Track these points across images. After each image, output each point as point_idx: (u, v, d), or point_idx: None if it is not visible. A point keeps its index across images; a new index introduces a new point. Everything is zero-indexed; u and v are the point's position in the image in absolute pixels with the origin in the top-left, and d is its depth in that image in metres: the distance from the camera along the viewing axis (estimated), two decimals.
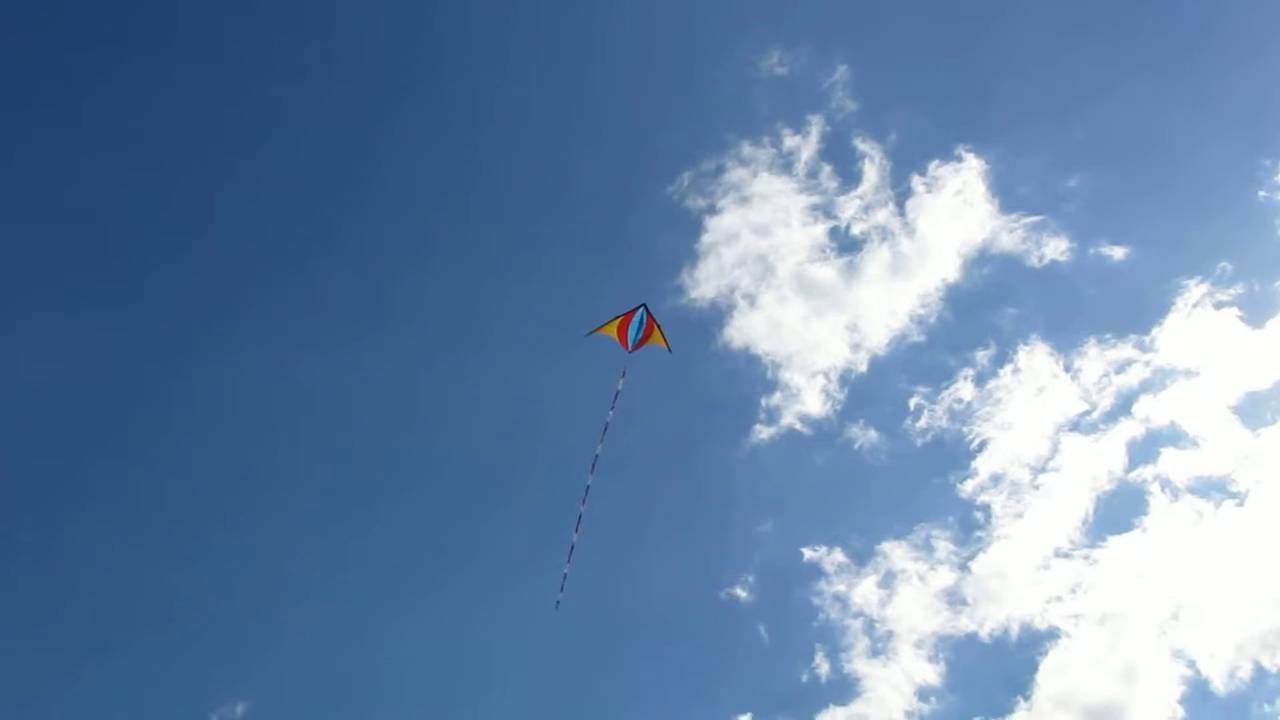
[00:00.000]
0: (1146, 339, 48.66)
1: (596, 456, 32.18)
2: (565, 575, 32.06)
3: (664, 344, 32.55)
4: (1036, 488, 47.13)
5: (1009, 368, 49.19)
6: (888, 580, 45.72)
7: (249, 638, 45.13)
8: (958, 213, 51.17)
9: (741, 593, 46.16)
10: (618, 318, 32.16)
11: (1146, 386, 48.02)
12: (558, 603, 32.22)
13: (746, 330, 50.47)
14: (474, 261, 53.91)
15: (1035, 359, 49.13)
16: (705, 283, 50.88)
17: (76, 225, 51.22)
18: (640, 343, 32.31)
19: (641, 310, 32.18)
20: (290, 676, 44.55)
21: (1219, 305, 48.44)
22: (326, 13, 55.57)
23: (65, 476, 47.49)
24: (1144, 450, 47.03)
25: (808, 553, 46.52)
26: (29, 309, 49.08)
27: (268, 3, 55.24)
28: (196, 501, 47.68)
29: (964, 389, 49.00)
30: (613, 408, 32.20)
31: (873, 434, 48.82)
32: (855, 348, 49.93)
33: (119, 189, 51.99)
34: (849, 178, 52.00)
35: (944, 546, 46.14)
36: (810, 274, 51.38)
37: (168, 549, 46.33)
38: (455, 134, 55.06)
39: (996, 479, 47.32)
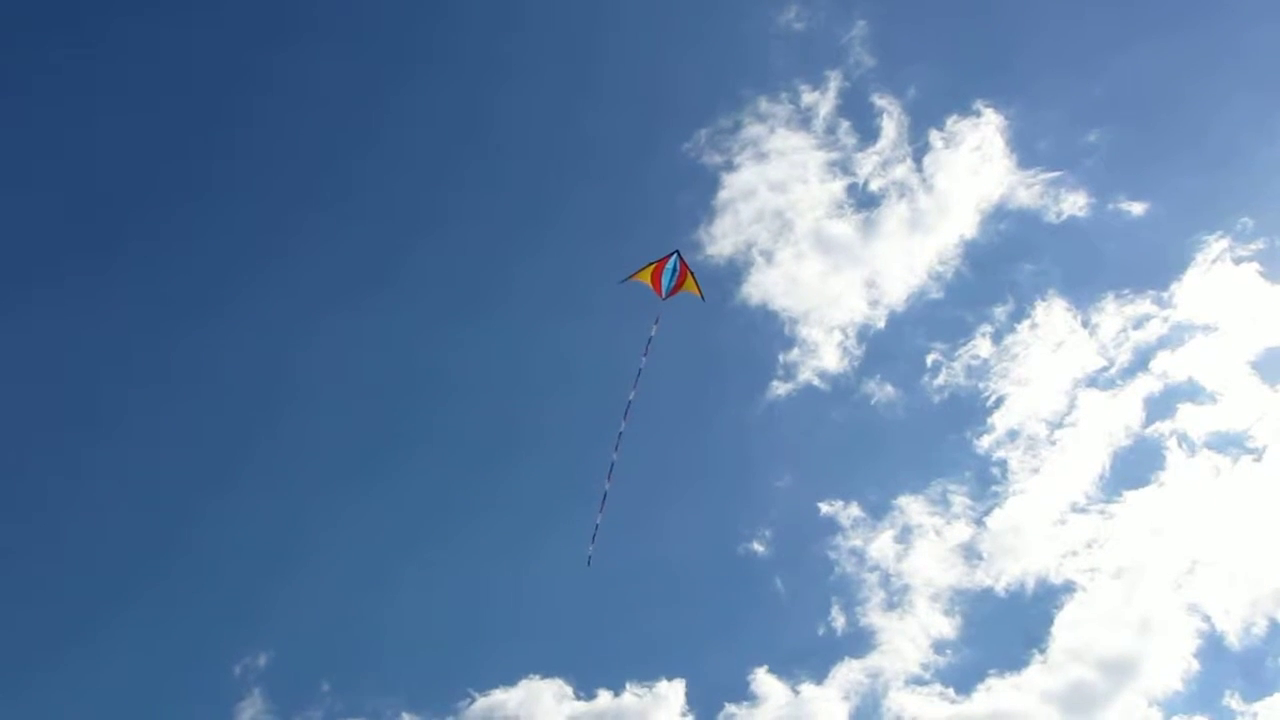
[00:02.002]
0: (1165, 294, 48.73)
1: (630, 403, 32.11)
2: (597, 527, 31.69)
3: (697, 291, 32.51)
4: (1053, 443, 47.34)
5: (1026, 323, 49.34)
6: (904, 535, 46.04)
7: (271, 590, 45.69)
8: (976, 168, 51.17)
9: (759, 547, 46.55)
10: (651, 265, 32.03)
11: (1164, 342, 48.16)
12: (589, 559, 31.89)
13: (764, 286, 50.53)
14: (489, 220, 54.09)
15: (1053, 314, 49.20)
16: (722, 239, 50.94)
17: (85, 191, 51.72)
18: (674, 289, 32.23)
19: (674, 257, 32.10)
20: (313, 627, 45.18)
21: (1239, 260, 48.40)
22: None
23: (87, 432, 48.32)
24: (1161, 405, 47.20)
25: (824, 507, 46.85)
26: (40, 275, 49.74)
27: None
28: (219, 456, 48.42)
29: (981, 345, 49.17)
30: (645, 354, 32.13)
31: (890, 390, 49.09)
32: (873, 304, 50.08)
33: (129, 152, 52.47)
34: (867, 134, 51.96)
35: (960, 501, 46.44)
36: (828, 230, 51.37)
37: (191, 501, 47.07)
38: (469, 91, 55.05)
39: (1013, 434, 47.56)
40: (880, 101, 51.74)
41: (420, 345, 51.72)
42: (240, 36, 53.80)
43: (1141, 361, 47.84)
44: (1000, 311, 49.65)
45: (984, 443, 47.50)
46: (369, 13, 55.26)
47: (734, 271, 50.59)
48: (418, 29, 55.27)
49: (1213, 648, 42.43)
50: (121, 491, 46.93)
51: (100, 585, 44.74)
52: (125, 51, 53.35)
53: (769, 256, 50.80)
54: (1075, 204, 49.87)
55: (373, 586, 45.99)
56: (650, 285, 32.18)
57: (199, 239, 52.30)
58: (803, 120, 52.23)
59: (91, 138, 51.89)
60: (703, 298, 32.84)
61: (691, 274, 32.26)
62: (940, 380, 48.79)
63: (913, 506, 46.26)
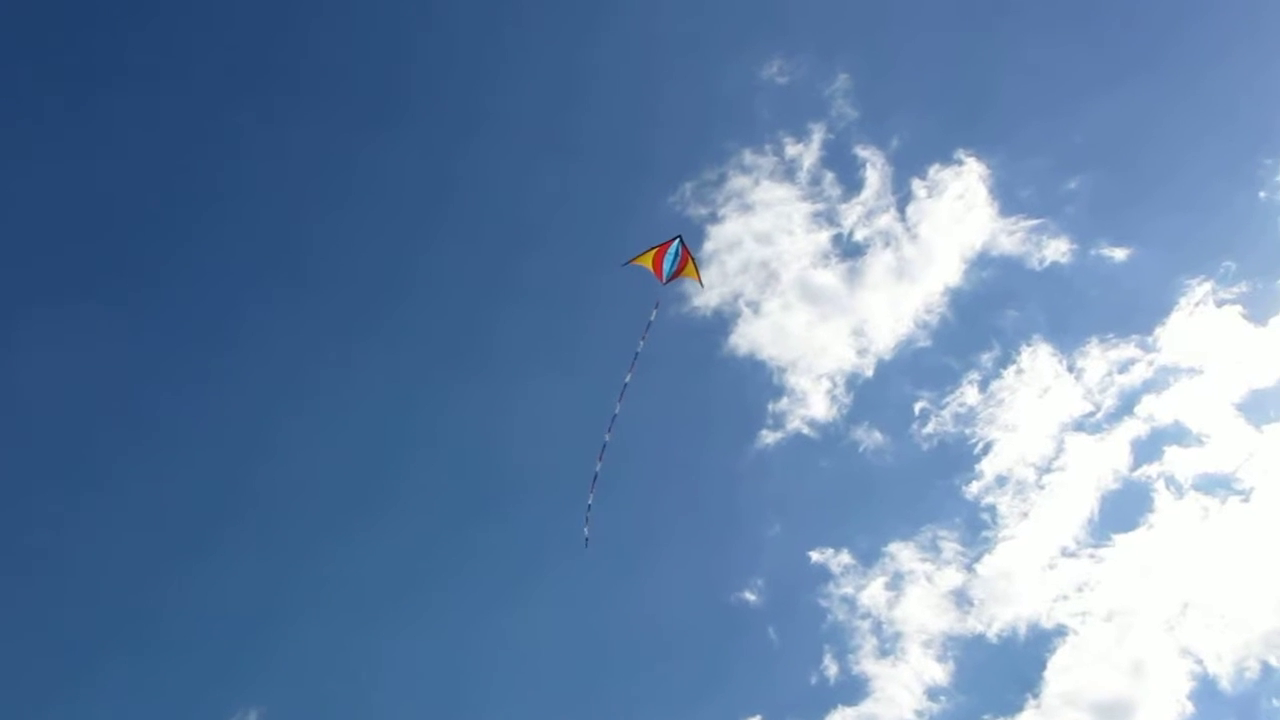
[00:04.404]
0: (1149, 338, 49.08)
1: (625, 385, 32.21)
2: (589, 506, 31.99)
3: (697, 277, 32.53)
4: (1042, 488, 47.37)
5: (1012, 369, 49.56)
6: (895, 581, 45.92)
7: (262, 645, 45.27)
8: (959, 216, 51.75)
9: (750, 596, 46.35)
10: (653, 249, 32.03)
11: (1150, 385, 48.38)
12: (586, 540, 32.32)
13: (751, 337, 50.83)
14: (473, 274, 54.31)
15: (1038, 360, 49.48)
16: (708, 290, 51.12)
17: (79, 229, 51.72)
18: (675, 274, 32.23)
19: (677, 242, 32.13)
20: (304, 683, 44.58)
21: (1221, 303, 48.87)
22: (322, 17, 56.26)
23: (74, 482, 47.77)
24: (1148, 449, 47.35)
25: (815, 555, 46.75)
26: (33, 311, 49.43)
27: (265, 9, 55.76)
28: (207, 512, 47.85)
29: (968, 392, 49.34)
30: (643, 338, 32.19)
31: (879, 437, 49.14)
32: (861, 352, 50.31)
33: (112, 202, 52.37)
34: (851, 184, 52.53)
35: (951, 547, 46.34)
36: (814, 280, 51.76)
37: (179, 558, 46.55)
38: (453, 141, 55.48)
39: (1002, 480, 47.61)
40: (863, 152, 52.57)
41: (404, 401, 51.58)
42: (220, 95, 54.30)
43: (1127, 405, 48.20)
44: (986, 358, 50.06)
45: (973, 489, 47.69)
46: (347, 69, 55.77)
47: (721, 322, 51.02)
48: (396, 81, 55.91)
49: (1206, 690, 42.36)
50: (109, 548, 46.28)
51: (89, 642, 44.21)
52: (95, 113, 53.37)
53: (756, 307, 51.27)
54: (1058, 250, 50.52)
55: (363, 642, 45.52)
56: (651, 270, 32.22)
57: (178, 298, 52.37)
58: (787, 172, 52.95)
59: (86, 181, 52.11)
60: (702, 285, 33.09)
61: (693, 260, 32.27)
62: (929, 428, 49.03)
63: (903, 553, 46.32)
